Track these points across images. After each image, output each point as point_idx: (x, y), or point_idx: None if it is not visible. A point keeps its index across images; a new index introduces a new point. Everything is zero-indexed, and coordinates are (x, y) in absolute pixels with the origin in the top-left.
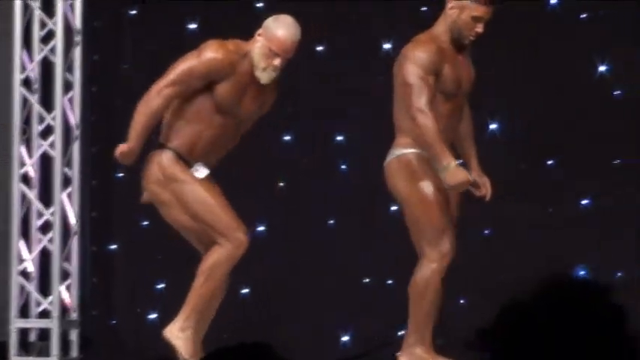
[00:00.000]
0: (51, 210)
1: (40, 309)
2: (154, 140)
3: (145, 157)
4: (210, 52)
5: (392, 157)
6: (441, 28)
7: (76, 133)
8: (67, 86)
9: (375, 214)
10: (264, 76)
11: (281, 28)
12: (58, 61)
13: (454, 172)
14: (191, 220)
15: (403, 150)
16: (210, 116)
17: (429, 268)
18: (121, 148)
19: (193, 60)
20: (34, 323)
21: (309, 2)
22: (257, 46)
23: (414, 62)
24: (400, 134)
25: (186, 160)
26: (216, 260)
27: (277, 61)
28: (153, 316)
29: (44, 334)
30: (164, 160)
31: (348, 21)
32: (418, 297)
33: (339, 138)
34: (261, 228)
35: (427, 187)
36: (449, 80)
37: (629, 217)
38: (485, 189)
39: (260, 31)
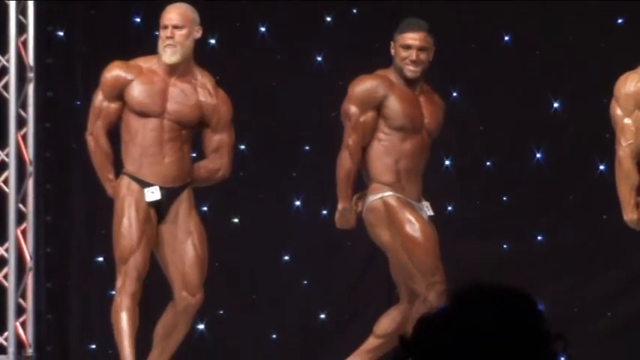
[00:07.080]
0: (5, 246)
1: None
2: None
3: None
4: (105, 72)
5: (366, 205)
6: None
7: (30, 169)
8: (21, 122)
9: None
10: (165, 56)
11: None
12: (12, 97)
13: (345, 217)
14: None
15: (375, 195)
16: (133, 125)
17: (426, 303)
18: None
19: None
20: None
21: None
22: None
23: (350, 99)
24: (369, 180)
25: (140, 179)
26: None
27: (166, 32)
28: (110, 352)
29: None
30: (118, 186)
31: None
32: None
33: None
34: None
35: (409, 229)
36: (396, 113)
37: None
38: None
39: None
